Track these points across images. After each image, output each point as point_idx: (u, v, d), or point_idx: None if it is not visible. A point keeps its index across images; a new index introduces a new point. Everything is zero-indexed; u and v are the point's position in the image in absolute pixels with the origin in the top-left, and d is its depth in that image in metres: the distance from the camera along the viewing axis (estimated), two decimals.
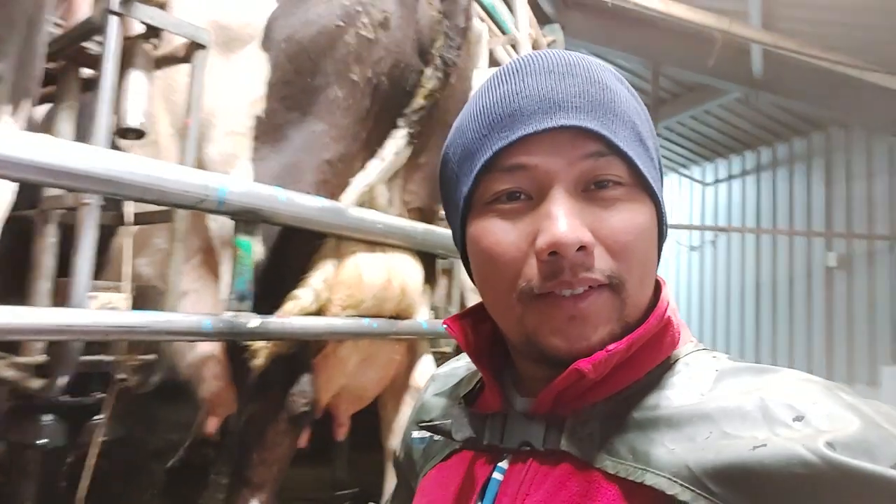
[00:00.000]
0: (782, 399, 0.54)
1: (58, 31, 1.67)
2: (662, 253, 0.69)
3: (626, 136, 0.62)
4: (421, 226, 1.95)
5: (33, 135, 1.24)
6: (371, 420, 2.17)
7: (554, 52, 0.65)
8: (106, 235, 1.66)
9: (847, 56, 7.24)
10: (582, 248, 0.58)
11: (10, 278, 1.65)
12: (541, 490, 0.60)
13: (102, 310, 1.49)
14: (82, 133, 1.62)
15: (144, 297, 1.73)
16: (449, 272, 2.50)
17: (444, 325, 0.72)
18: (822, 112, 9.23)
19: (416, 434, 0.83)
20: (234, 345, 1.66)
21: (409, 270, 1.93)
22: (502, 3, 3.53)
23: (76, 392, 1.78)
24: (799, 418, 0.52)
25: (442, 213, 2.12)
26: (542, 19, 4.95)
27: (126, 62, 1.61)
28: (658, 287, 0.68)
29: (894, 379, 8.54)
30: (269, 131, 1.73)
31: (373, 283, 1.81)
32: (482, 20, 3.12)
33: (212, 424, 1.96)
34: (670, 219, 0.73)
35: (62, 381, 1.52)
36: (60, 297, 1.52)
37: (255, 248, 1.59)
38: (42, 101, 1.73)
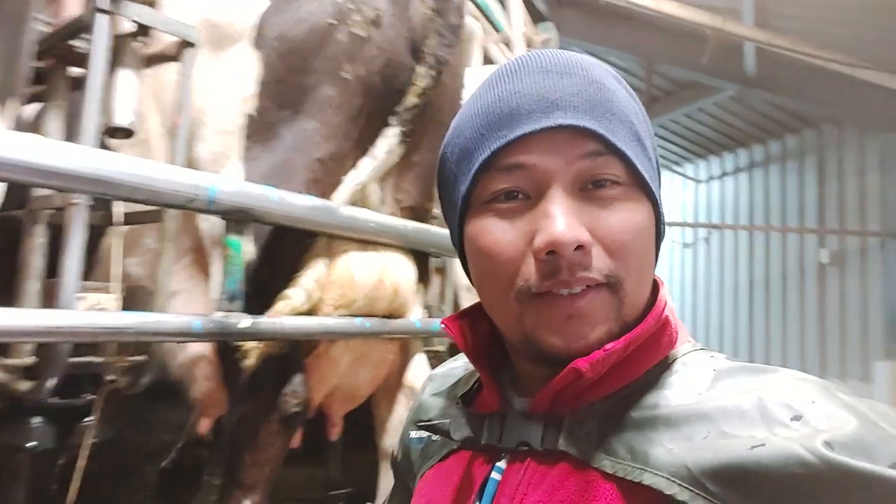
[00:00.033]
0: (780, 399, 0.55)
1: (46, 30, 1.65)
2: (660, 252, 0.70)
3: (624, 136, 0.62)
4: (413, 224, 1.94)
5: (21, 134, 1.23)
6: (365, 419, 2.16)
7: (552, 52, 0.65)
8: (95, 236, 1.65)
9: (839, 54, 7.29)
10: (580, 247, 0.58)
11: None
12: (539, 490, 0.60)
13: (91, 311, 1.48)
14: (71, 132, 1.60)
15: (134, 298, 1.71)
16: (442, 271, 2.49)
17: (442, 325, 0.73)
18: (814, 109, 9.27)
19: (413, 434, 0.83)
20: (226, 345, 1.65)
21: (401, 269, 1.92)
22: (495, 1, 3.53)
23: (65, 394, 1.76)
24: (797, 418, 0.53)
25: (435, 211, 2.13)
26: (536, 17, 4.94)
27: (115, 61, 1.59)
28: (656, 287, 0.68)
29: (887, 374, 8.60)
30: (260, 130, 1.72)
31: (365, 282, 1.80)
32: (475, 18, 3.11)
33: (204, 425, 1.95)
34: None
35: (51, 382, 1.50)
36: (49, 298, 1.50)
37: (246, 248, 1.58)
38: (31, 100, 1.72)
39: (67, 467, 1.73)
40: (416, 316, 2.02)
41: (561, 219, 0.58)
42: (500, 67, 0.67)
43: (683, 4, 6.98)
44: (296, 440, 1.79)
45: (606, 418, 0.61)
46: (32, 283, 1.53)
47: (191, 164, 1.73)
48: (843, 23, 6.89)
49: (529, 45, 3.85)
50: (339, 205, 1.72)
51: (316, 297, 1.72)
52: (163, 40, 1.75)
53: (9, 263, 1.60)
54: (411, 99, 1.83)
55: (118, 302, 1.60)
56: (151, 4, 1.74)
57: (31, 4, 1.39)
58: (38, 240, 1.57)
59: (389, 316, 1.90)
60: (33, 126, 1.72)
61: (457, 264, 2.47)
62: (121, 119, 1.59)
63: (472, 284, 0.70)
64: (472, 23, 2.86)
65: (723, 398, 0.57)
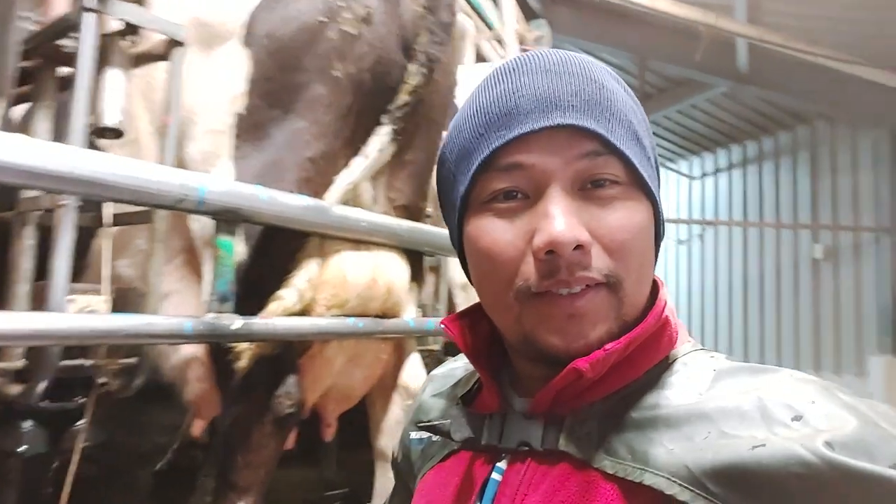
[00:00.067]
0: (780, 399, 0.55)
1: (33, 29, 1.64)
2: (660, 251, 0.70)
3: (623, 135, 0.62)
4: (406, 223, 1.93)
5: (8, 135, 1.21)
6: (360, 419, 2.15)
7: (551, 52, 0.66)
8: (85, 237, 1.63)
9: (832, 50, 7.31)
10: (579, 246, 0.58)
11: None
12: (539, 490, 0.61)
13: (81, 313, 1.46)
14: (59, 133, 1.59)
15: (125, 300, 1.69)
16: (436, 269, 2.48)
17: (442, 326, 0.73)
18: (807, 106, 9.30)
19: (414, 435, 0.83)
20: (218, 347, 1.63)
21: (394, 269, 1.91)
22: None
23: (57, 397, 1.74)
24: (797, 418, 0.53)
25: (428, 209, 2.12)
26: (529, 14, 4.93)
27: (103, 60, 1.57)
28: (656, 287, 0.68)
29: (881, 369, 8.65)
30: (250, 129, 1.71)
31: (357, 282, 1.79)
32: (467, 16, 3.10)
33: (198, 427, 1.94)
34: None
35: (42, 386, 1.49)
36: (38, 300, 1.49)
37: (237, 249, 1.57)
38: (18, 100, 1.70)
39: (59, 471, 1.72)
40: (410, 315, 2.01)
41: (560, 218, 0.58)
42: (499, 67, 0.67)
43: (676, 1, 6.99)
44: (290, 441, 1.77)
45: (607, 418, 0.61)
46: (22, 286, 1.52)
47: (181, 163, 1.72)
48: (835, 19, 6.91)
49: (522, 42, 3.85)
50: (331, 204, 1.71)
51: (308, 297, 1.70)
52: (151, 39, 1.73)
53: None
54: (403, 97, 1.81)
55: (108, 304, 1.59)
56: (139, 3, 1.72)
57: (15, 3, 1.37)
58: (26, 242, 1.55)
59: (383, 315, 1.89)
60: (21, 126, 1.71)
61: (451, 262, 2.47)
62: (109, 119, 1.57)
63: (472, 284, 0.70)
64: (465, 20, 2.85)
65: (723, 398, 0.57)
